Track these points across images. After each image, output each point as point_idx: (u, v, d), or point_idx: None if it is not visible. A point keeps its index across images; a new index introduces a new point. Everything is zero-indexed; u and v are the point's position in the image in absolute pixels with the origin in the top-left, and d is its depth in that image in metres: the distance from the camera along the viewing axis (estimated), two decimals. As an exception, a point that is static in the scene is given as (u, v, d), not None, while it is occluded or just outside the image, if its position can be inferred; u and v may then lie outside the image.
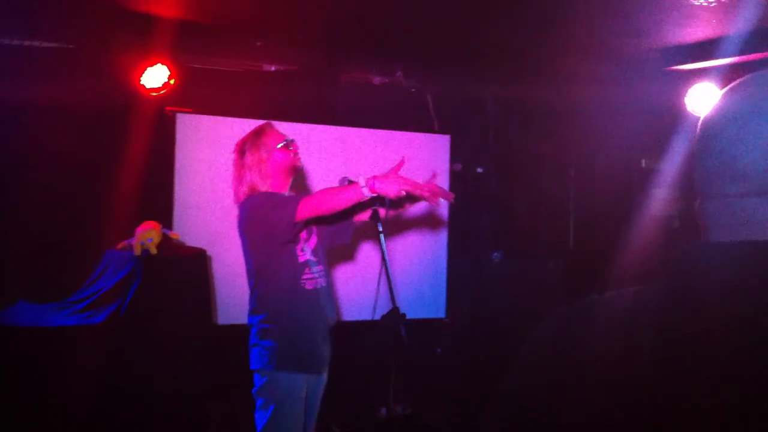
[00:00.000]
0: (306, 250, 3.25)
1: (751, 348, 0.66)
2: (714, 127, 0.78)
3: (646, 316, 0.75)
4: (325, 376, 3.35)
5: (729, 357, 0.67)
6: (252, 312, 3.24)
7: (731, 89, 0.80)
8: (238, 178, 3.26)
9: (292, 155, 3.26)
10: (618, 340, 0.74)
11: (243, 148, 3.27)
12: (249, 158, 3.23)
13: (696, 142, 0.81)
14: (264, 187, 3.21)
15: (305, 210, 2.99)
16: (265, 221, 3.08)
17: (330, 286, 3.41)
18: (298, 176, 3.41)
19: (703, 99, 4.43)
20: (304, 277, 3.20)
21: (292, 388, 3.14)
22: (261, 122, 4.74)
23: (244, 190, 3.23)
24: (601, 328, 0.77)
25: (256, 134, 3.28)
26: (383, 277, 3.21)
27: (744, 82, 0.80)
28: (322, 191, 3.12)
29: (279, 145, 3.24)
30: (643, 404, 0.69)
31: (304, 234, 3.26)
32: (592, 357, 0.75)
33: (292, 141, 3.30)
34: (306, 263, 3.22)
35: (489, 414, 0.86)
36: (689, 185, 0.84)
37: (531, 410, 0.78)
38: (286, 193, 3.29)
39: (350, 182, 3.27)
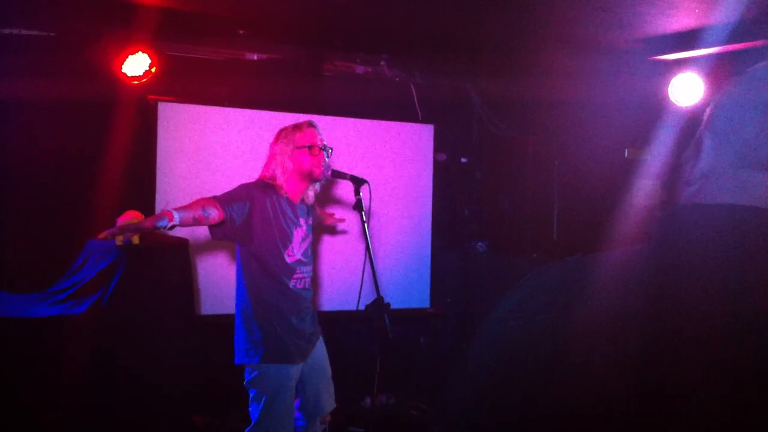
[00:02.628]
0: (298, 251, 3.29)
1: (740, 309, 0.68)
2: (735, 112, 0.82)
3: (637, 276, 0.77)
4: (316, 346, 3.42)
5: (719, 317, 0.69)
6: (238, 305, 3.30)
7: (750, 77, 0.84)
8: (266, 162, 3.34)
9: (311, 160, 3.26)
10: (610, 301, 0.74)
11: (279, 135, 3.34)
12: (278, 147, 3.30)
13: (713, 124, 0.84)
14: (281, 179, 3.25)
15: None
16: None
17: (312, 283, 3.48)
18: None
19: (685, 89, 4.44)
20: (296, 276, 3.28)
21: (281, 378, 3.21)
22: (243, 111, 4.74)
23: (263, 173, 3.31)
24: (593, 288, 0.78)
25: (294, 127, 3.32)
26: (368, 267, 3.21)
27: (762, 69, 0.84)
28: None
29: (304, 146, 3.25)
30: (638, 368, 0.69)
31: (301, 233, 3.29)
32: (584, 322, 0.74)
33: (321, 149, 3.29)
34: (297, 263, 3.29)
35: (448, 401, 0.85)
36: (680, 169, 0.87)
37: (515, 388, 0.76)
38: (297, 202, 3.32)
39: (334, 172, 3.30)
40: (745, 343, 0.66)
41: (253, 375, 3.21)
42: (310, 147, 3.25)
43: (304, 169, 3.26)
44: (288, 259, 3.24)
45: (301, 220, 3.33)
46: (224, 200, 3.10)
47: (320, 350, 3.44)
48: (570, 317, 0.76)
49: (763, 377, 0.65)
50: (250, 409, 3.24)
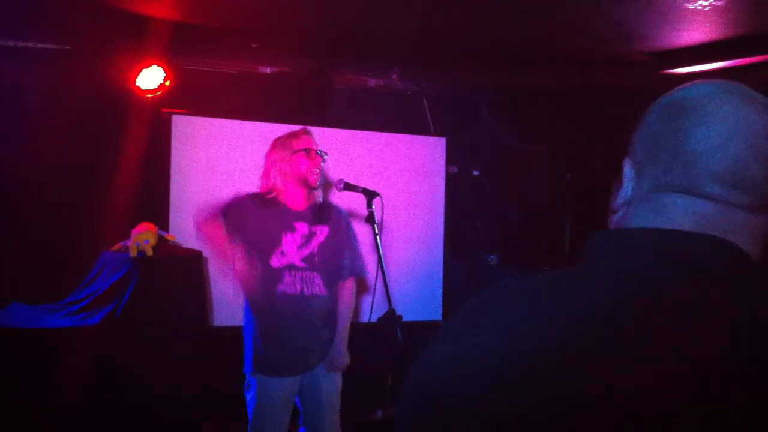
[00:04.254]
0: (289, 255, 3.27)
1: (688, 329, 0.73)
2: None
3: (572, 297, 0.79)
4: (319, 371, 3.34)
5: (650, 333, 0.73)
6: (244, 312, 3.38)
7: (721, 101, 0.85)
8: (263, 171, 3.38)
9: (308, 163, 3.28)
10: (549, 322, 0.77)
11: (275, 144, 3.39)
12: (276, 154, 3.34)
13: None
14: (280, 186, 3.29)
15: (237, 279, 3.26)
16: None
17: (331, 295, 3.37)
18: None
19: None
20: (285, 280, 3.24)
21: (266, 389, 3.23)
22: (256, 124, 4.76)
23: (262, 183, 3.34)
24: (529, 310, 0.81)
25: (290, 135, 3.37)
26: (379, 279, 3.21)
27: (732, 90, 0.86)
28: (243, 283, 3.27)
29: (301, 149, 3.29)
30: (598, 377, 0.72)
31: (296, 239, 3.28)
32: (524, 340, 0.77)
33: (317, 153, 3.32)
34: (288, 267, 3.25)
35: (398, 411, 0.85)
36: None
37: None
38: (298, 209, 3.33)
39: (346, 185, 3.31)
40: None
41: (245, 383, 3.31)
42: (306, 150, 3.29)
43: (301, 173, 3.28)
44: (274, 263, 3.24)
45: (297, 225, 3.30)
46: (231, 226, 3.27)
47: (330, 385, 3.36)
48: (509, 336, 0.79)
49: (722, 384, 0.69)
50: (247, 411, 3.33)
